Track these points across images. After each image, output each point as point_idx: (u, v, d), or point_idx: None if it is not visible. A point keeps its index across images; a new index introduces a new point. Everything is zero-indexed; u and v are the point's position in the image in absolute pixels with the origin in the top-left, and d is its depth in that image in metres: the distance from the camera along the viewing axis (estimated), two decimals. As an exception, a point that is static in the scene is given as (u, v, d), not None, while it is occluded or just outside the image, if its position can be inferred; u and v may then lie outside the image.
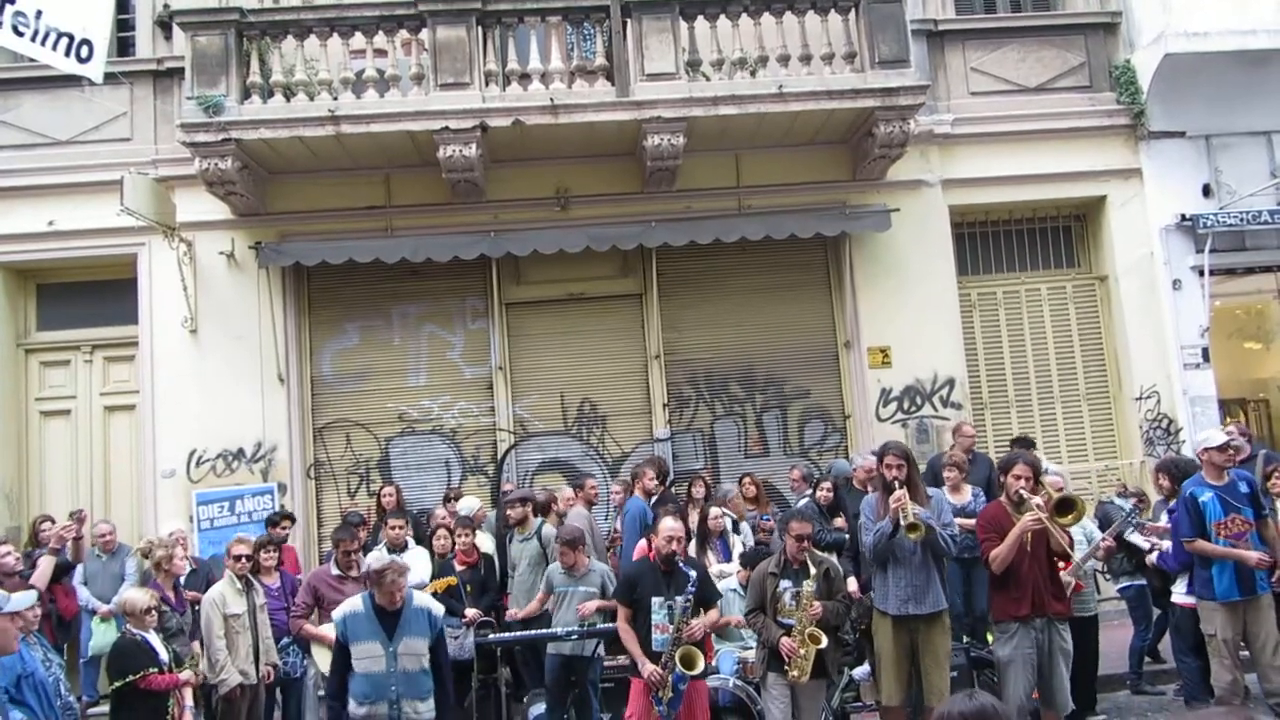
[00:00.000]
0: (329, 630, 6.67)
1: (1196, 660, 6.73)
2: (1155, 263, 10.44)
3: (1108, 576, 8.03)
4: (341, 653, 5.18)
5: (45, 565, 6.96)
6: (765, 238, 9.80)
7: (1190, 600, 6.71)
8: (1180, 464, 7.27)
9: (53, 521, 7.83)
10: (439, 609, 5.49)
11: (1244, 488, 6.41)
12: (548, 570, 7.21)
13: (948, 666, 6.02)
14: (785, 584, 5.89)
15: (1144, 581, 7.67)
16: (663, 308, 10.29)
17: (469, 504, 8.70)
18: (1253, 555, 6.16)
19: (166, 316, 9.75)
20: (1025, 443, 9.00)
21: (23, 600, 3.81)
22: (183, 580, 7.57)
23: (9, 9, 6.78)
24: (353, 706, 5.09)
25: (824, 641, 5.70)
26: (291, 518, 8.85)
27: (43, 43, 7.03)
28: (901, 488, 5.79)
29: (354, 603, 5.34)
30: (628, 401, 10.33)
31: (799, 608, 5.75)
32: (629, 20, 9.30)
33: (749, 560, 7.11)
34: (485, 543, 8.29)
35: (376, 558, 5.47)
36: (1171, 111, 10.45)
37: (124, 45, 10.21)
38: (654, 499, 8.55)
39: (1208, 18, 9.88)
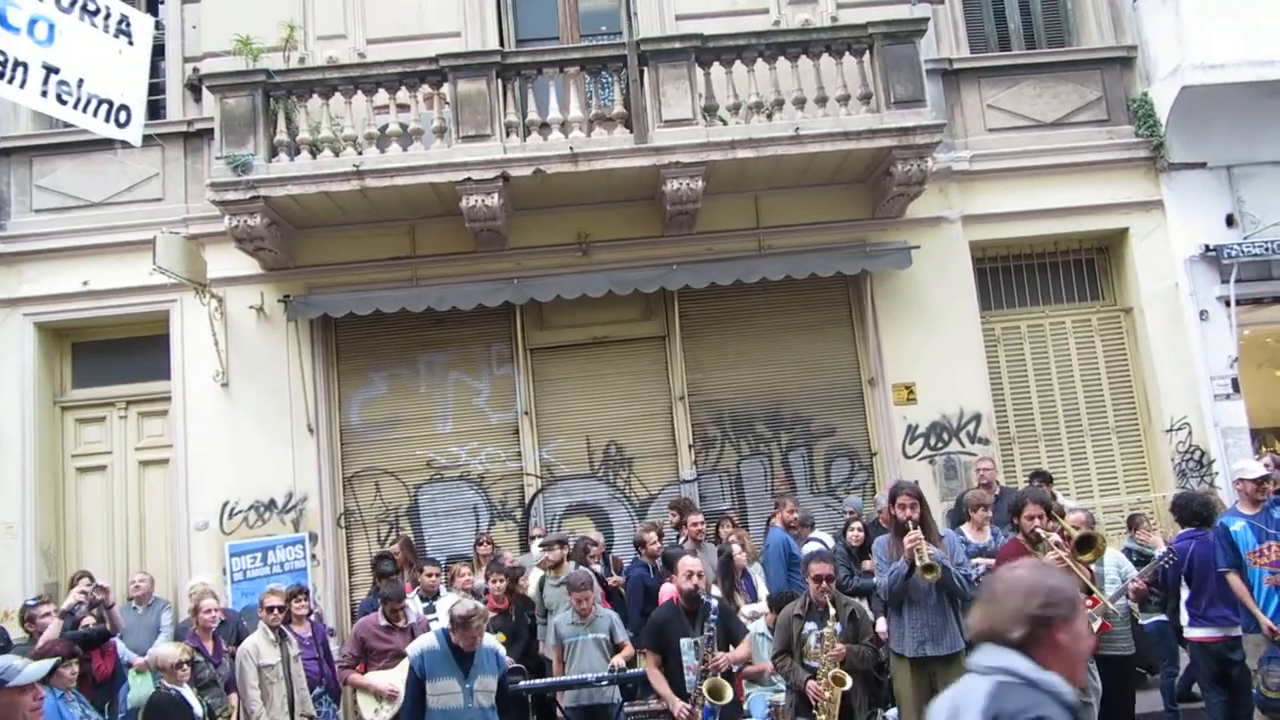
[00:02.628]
0: (375, 678, 6.79)
1: (1220, 694, 6.62)
2: (1180, 294, 10.38)
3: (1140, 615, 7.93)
4: (417, 688, 5.46)
5: (52, 628, 6.95)
6: (786, 277, 9.86)
7: (1200, 634, 6.65)
8: (1188, 502, 7.21)
9: (91, 578, 7.92)
10: (502, 649, 5.87)
11: (1278, 513, 6.36)
12: (554, 622, 7.21)
13: None
14: (810, 626, 5.88)
15: (1166, 618, 7.60)
16: (686, 349, 10.34)
17: (538, 555, 8.66)
18: (1266, 622, 6.12)
19: (198, 371, 9.92)
20: (1043, 477, 8.96)
21: (32, 673, 3.69)
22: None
23: (53, 78, 7.03)
24: None
25: (848, 683, 5.67)
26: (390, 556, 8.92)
27: (84, 109, 7.28)
28: (915, 528, 5.78)
29: (429, 640, 5.65)
30: (653, 443, 10.35)
31: (823, 650, 5.73)
32: (646, 68, 9.45)
33: (776, 603, 7.09)
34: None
35: (460, 605, 5.71)
36: (1191, 143, 10.44)
37: (154, 108, 10.49)
38: (681, 539, 8.57)
39: (1223, 50, 9.88)
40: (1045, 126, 10.68)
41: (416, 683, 5.48)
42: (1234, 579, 6.30)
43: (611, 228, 10.20)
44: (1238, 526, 6.37)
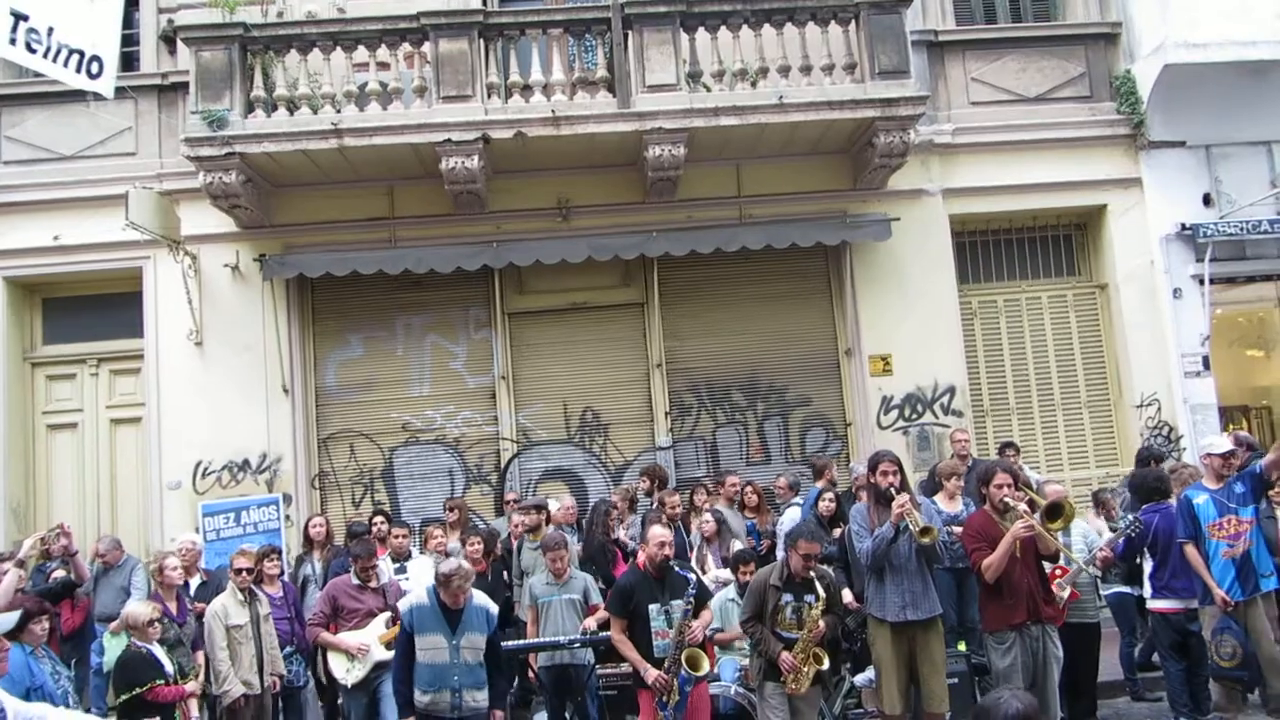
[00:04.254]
0: (345, 637, 6.81)
1: (1179, 663, 6.80)
2: (1156, 271, 10.47)
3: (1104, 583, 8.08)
4: (407, 641, 5.64)
5: (9, 579, 6.91)
6: (766, 247, 9.86)
7: (1162, 605, 6.82)
8: (1144, 479, 7.36)
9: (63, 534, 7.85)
10: (494, 607, 5.93)
11: (1239, 487, 6.48)
12: (528, 583, 7.27)
13: (944, 672, 6.06)
14: (787, 598, 5.89)
15: (1127, 589, 7.75)
16: (664, 317, 10.34)
17: (554, 505, 8.62)
18: (1219, 593, 6.25)
19: (172, 329, 9.82)
20: (1012, 448, 9.07)
21: (1, 625, 3.75)
22: (193, 590, 7.62)
23: (22, 26, 6.86)
24: (417, 694, 5.56)
25: (826, 664, 5.72)
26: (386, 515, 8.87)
27: (54, 59, 7.12)
28: (900, 494, 5.84)
29: (420, 595, 5.80)
30: (630, 410, 10.37)
31: (801, 624, 5.77)
32: (630, 32, 9.36)
33: (736, 561, 7.15)
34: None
35: (445, 563, 5.82)
36: (1171, 121, 10.48)
37: (128, 60, 10.28)
38: (654, 504, 8.63)
39: (1207, 29, 9.90)
40: (1028, 101, 10.69)
41: (406, 636, 5.68)
42: (1190, 550, 6.43)
43: (592, 193, 10.13)
44: (1201, 500, 6.49)
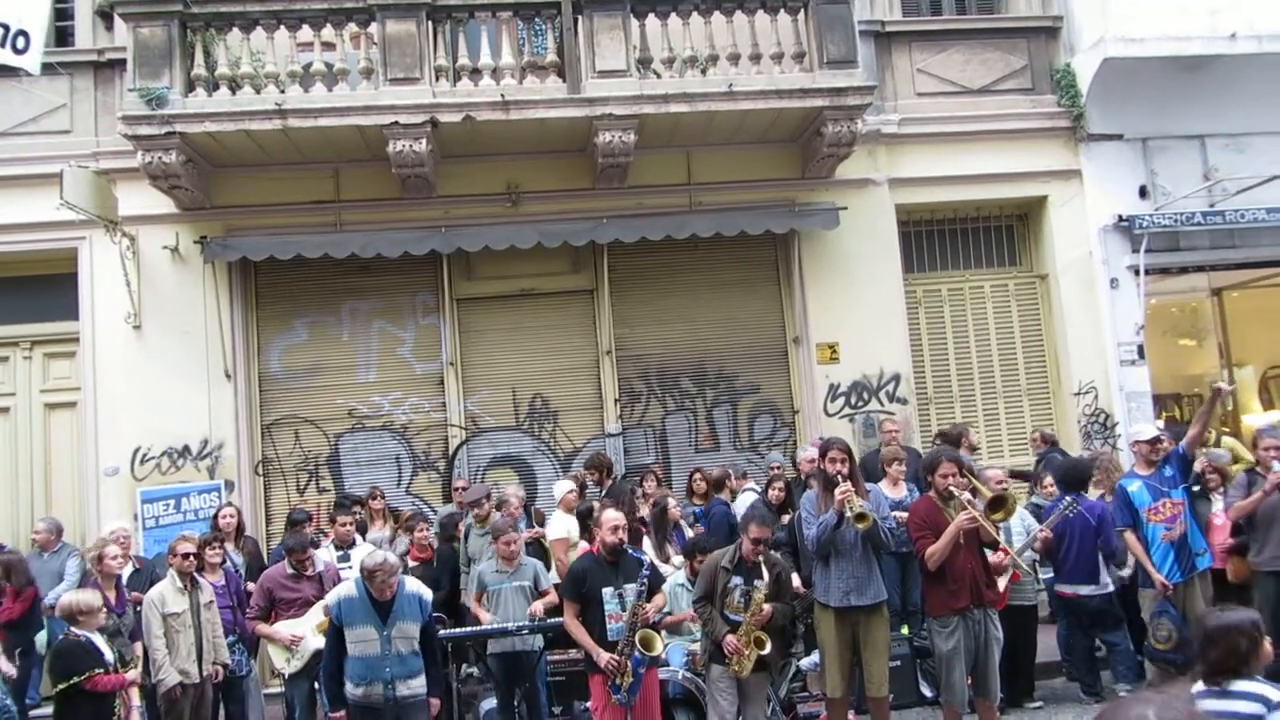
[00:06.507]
0: (283, 627, 6.73)
1: (1085, 640, 7.27)
2: (1094, 262, 10.71)
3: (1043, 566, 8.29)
4: (336, 635, 5.60)
5: None
6: (716, 235, 9.88)
7: (1068, 590, 7.31)
8: (1071, 466, 7.65)
9: None
10: (428, 594, 5.89)
11: (1168, 470, 6.70)
12: (476, 571, 7.24)
13: (887, 656, 6.19)
14: (736, 580, 5.95)
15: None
16: (614, 303, 10.32)
17: (562, 487, 8.55)
18: (1158, 577, 6.48)
19: (109, 312, 9.56)
20: (946, 437, 9.24)
21: None
22: (125, 579, 7.47)
23: (-57, -2, 6.61)
24: (349, 687, 5.53)
25: (768, 646, 5.79)
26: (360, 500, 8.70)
27: (-24, 33, 6.87)
28: (845, 481, 5.93)
29: (348, 588, 5.75)
30: (579, 397, 10.35)
31: (748, 608, 5.84)
32: (580, 17, 9.30)
33: (690, 550, 7.21)
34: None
35: (370, 556, 5.77)
36: (1110, 114, 10.72)
37: (63, 35, 9.98)
38: (603, 492, 8.65)
39: (1145, 24, 10.12)
40: (972, 93, 10.85)
41: (336, 630, 5.61)
42: (1130, 536, 6.64)
43: (542, 179, 10.07)
44: (1134, 487, 6.70)
